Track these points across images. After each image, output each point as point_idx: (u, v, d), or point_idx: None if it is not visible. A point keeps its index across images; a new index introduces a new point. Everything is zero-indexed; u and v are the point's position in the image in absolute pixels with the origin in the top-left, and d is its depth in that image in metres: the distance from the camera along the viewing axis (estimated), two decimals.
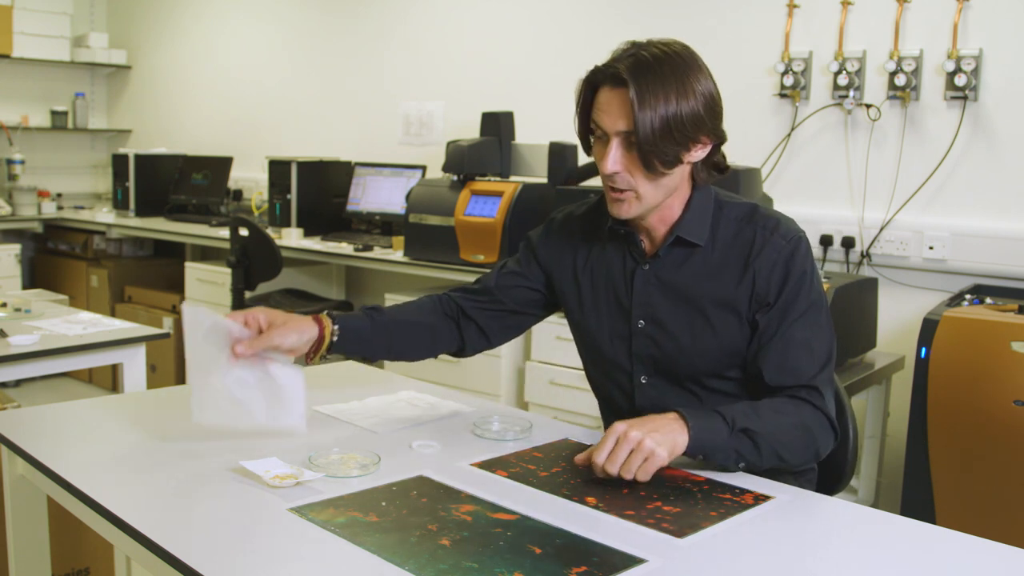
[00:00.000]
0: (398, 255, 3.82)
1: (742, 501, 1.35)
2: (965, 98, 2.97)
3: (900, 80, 3.05)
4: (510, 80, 4.16)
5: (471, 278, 3.44)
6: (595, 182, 3.41)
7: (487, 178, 3.69)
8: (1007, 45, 2.92)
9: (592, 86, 1.52)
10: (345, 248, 4.05)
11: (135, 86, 6.21)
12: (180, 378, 4.74)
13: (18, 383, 4.86)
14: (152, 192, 5.34)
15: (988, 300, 2.62)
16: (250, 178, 5.27)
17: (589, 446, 1.59)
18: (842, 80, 3.17)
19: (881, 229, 3.14)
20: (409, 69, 4.59)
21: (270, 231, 4.22)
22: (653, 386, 1.63)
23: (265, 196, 4.65)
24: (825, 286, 2.62)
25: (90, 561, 2.44)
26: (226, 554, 1.14)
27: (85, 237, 5.36)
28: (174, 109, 5.93)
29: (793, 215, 1.68)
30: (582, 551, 1.16)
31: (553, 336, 3.21)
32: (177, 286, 4.88)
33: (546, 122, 3.81)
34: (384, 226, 4.36)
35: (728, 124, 1.55)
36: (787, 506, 1.35)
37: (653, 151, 1.46)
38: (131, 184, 5.29)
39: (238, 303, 4.08)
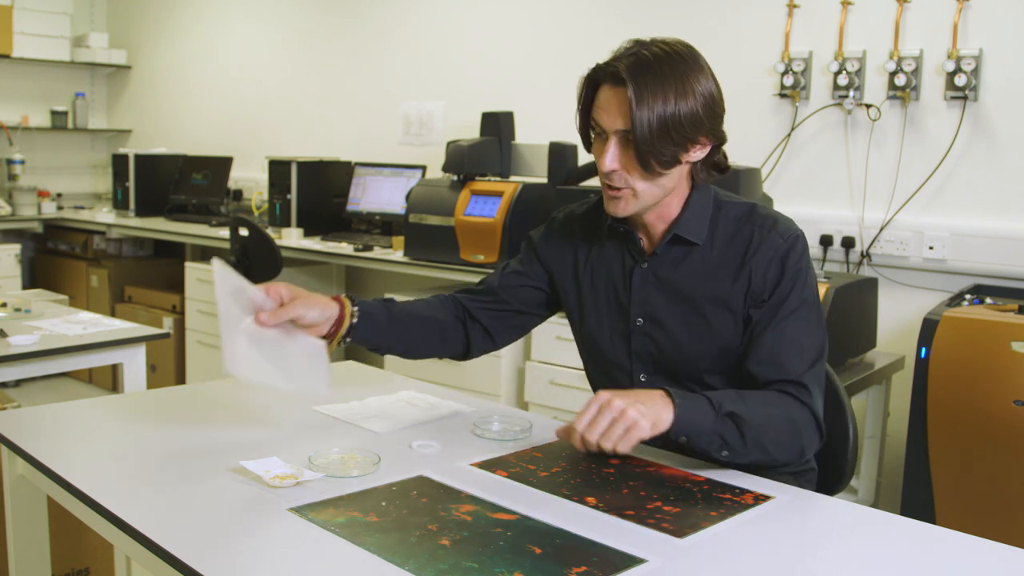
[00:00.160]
0: (398, 255, 3.82)
1: (742, 501, 1.35)
2: (965, 98, 2.97)
3: (900, 80, 3.05)
4: (510, 80, 4.16)
5: (471, 278, 3.47)
6: (595, 182, 3.41)
7: (487, 178, 3.69)
8: (1007, 45, 2.92)
9: (593, 84, 1.52)
10: (345, 248, 4.05)
11: (135, 86, 6.21)
12: (180, 378, 4.75)
13: (18, 383, 4.86)
14: (152, 192, 5.34)
15: (988, 300, 2.62)
16: (250, 178, 5.27)
17: None
18: (842, 80, 3.17)
19: (881, 229, 3.14)
20: (409, 69, 4.59)
21: (270, 231, 4.22)
22: (652, 384, 1.63)
23: (265, 196, 4.65)
24: (825, 286, 2.63)
25: (90, 561, 2.44)
26: (226, 554, 1.14)
27: (85, 237, 5.37)
28: (174, 109, 5.93)
29: (793, 215, 1.69)
30: (582, 551, 1.16)
31: (553, 336, 3.21)
32: (177, 286, 4.88)
33: (546, 122, 3.81)
34: (384, 226, 4.36)
35: (728, 124, 1.55)
36: (787, 506, 1.35)
37: (650, 151, 1.46)
38: (131, 184, 5.29)
39: None
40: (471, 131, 4.03)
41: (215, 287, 1.49)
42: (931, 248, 3.05)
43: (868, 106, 3.16)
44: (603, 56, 1.52)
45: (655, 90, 1.44)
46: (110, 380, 5.04)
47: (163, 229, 4.92)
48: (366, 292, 4.76)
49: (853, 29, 3.19)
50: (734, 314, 1.56)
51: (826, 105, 3.27)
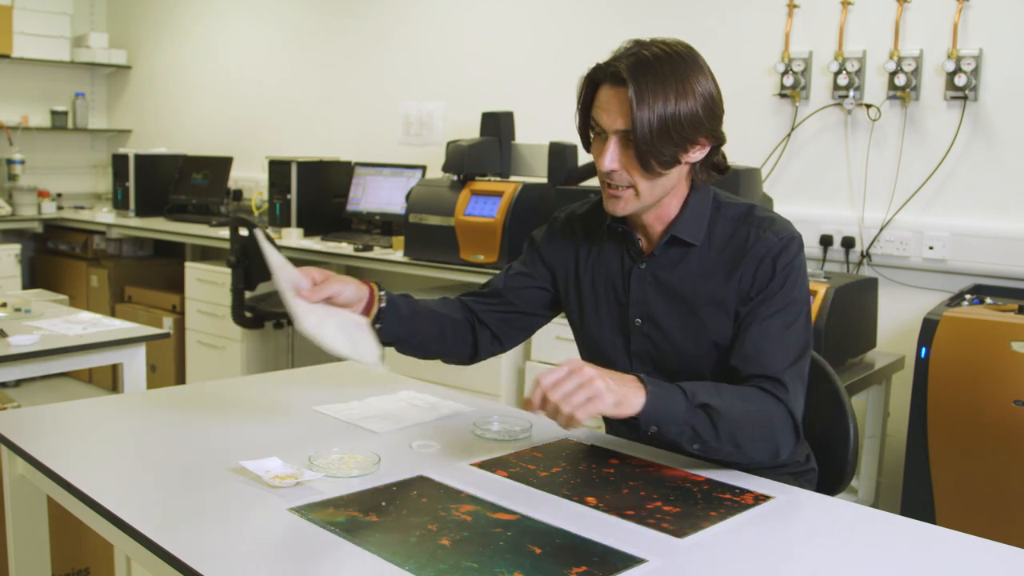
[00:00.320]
0: (398, 255, 3.82)
1: (742, 501, 1.35)
2: (965, 98, 2.97)
3: (900, 80, 3.05)
4: (510, 80, 4.16)
5: (471, 278, 3.48)
6: (595, 182, 3.40)
7: (487, 178, 3.69)
8: (1007, 45, 2.92)
9: (593, 84, 1.52)
10: (345, 248, 4.05)
11: (135, 86, 6.21)
12: (180, 378, 4.75)
13: (18, 383, 4.86)
14: (152, 192, 5.34)
15: (988, 300, 2.62)
16: (250, 178, 5.27)
17: (589, 446, 1.60)
18: (842, 80, 3.17)
19: (881, 229, 3.14)
20: (409, 69, 4.59)
21: (270, 231, 4.21)
22: None
23: (265, 196, 4.65)
24: (825, 286, 2.63)
25: (90, 561, 2.44)
26: (226, 554, 1.14)
27: (85, 237, 5.37)
28: (174, 109, 5.93)
29: (793, 215, 1.69)
30: (582, 551, 1.16)
31: (553, 336, 3.21)
32: (177, 286, 4.88)
33: (546, 122, 3.81)
34: (384, 226, 4.36)
35: (728, 124, 1.55)
36: (787, 506, 1.35)
37: (650, 151, 1.46)
38: (131, 184, 5.29)
39: (238, 303, 4.08)
40: (471, 131, 4.03)
41: (265, 254, 1.52)
42: (931, 248, 3.04)
43: (868, 106, 3.16)
44: (603, 56, 1.52)
45: (655, 90, 1.44)
46: (110, 380, 5.05)
47: (163, 229, 4.92)
48: None
49: (853, 29, 3.19)
50: (729, 314, 1.56)
51: (826, 105, 3.27)
